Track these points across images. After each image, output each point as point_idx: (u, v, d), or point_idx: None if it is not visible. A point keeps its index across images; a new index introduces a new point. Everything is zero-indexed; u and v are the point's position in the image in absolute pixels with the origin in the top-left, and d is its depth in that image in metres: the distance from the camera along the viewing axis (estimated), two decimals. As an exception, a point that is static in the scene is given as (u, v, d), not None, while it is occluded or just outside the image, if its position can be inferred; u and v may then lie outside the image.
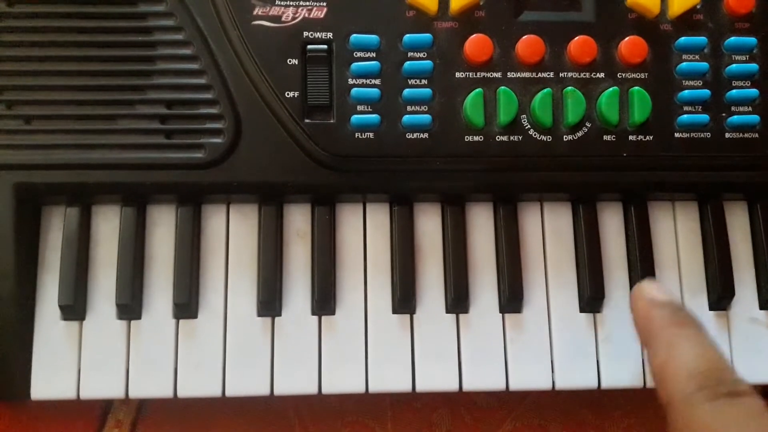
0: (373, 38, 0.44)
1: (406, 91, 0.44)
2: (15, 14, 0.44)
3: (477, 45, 0.44)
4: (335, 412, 0.48)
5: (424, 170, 0.44)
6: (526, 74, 0.44)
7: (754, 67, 0.45)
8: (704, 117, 0.45)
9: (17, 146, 0.43)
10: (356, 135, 0.43)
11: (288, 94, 0.43)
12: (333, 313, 0.45)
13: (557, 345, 0.45)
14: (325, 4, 0.44)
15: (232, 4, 0.43)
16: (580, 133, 0.44)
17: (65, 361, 0.43)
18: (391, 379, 0.44)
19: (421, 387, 0.44)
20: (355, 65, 0.44)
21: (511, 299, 0.45)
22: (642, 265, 0.46)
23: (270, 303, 0.44)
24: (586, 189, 0.46)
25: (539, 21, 0.45)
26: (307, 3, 0.44)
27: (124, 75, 0.44)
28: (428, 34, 0.44)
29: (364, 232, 0.46)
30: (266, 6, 0.44)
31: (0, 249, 0.43)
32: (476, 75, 0.44)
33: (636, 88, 0.44)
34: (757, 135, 0.45)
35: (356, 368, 0.44)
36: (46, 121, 0.44)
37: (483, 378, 0.45)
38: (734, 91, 0.45)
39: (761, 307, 0.47)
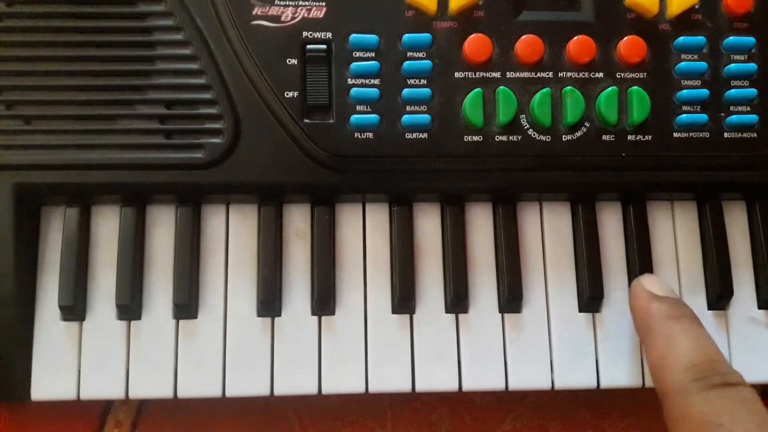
0: (372, 38, 0.44)
1: (406, 91, 0.44)
2: (14, 14, 0.44)
3: (476, 45, 0.44)
4: (335, 413, 0.48)
5: (424, 170, 0.45)
6: (525, 74, 0.44)
7: (752, 66, 0.45)
8: (703, 117, 0.45)
9: (17, 146, 0.43)
10: (355, 135, 0.43)
11: (287, 94, 0.43)
12: (333, 313, 0.45)
13: (556, 345, 0.45)
14: (324, 4, 0.44)
15: (231, 3, 0.43)
16: (579, 133, 0.44)
17: (65, 362, 0.43)
18: (390, 379, 0.44)
19: (420, 387, 0.44)
20: (354, 65, 0.44)
21: (511, 299, 0.45)
22: (641, 265, 0.46)
23: (270, 303, 0.44)
24: (585, 189, 0.46)
25: (538, 21, 0.45)
26: (307, 3, 0.44)
27: (123, 75, 0.44)
28: (427, 34, 0.44)
29: (364, 232, 0.46)
30: (265, 6, 0.44)
31: (0, 249, 0.43)
32: (475, 75, 0.44)
33: (635, 87, 0.44)
34: (755, 135, 0.45)
35: (356, 368, 0.44)
36: (46, 121, 0.44)
37: (482, 378, 0.45)
38: (733, 90, 0.45)
39: (760, 307, 0.47)
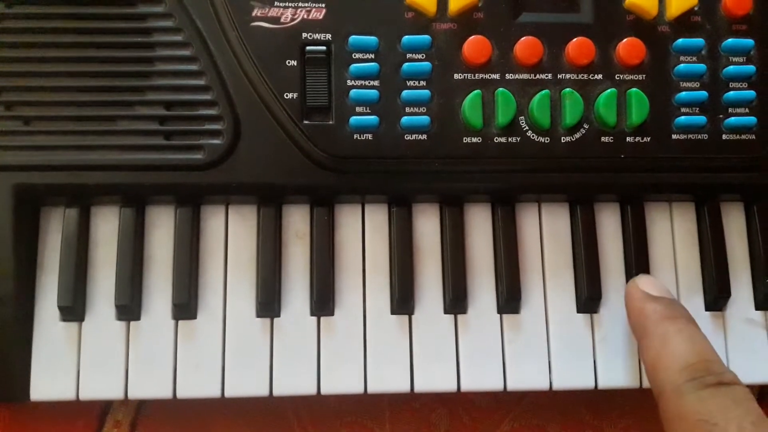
0: (371, 39, 0.44)
1: (405, 93, 0.44)
2: (14, 15, 0.44)
3: (475, 46, 0.44)
4: (334, 413, 0.48)
5: (423, 171, 0.45)
6: (525, 76, 0.44)
7: (751, 68, 0.45)
8: (701, 118, 0.45)
9: (16, 147, 0.43)
10: (355, 136, 0.43)
11: (287, 96, 0.43)
12: (332, 313, 0.45)
13: (555, 345, 0.46)
14: (323, 5, 0.44)
15: (231, 5, 0.43)
16: (578, 135, 0.44)
17: (64, 362, 0.43)
18: (389, 380, 0.44)
19: (419, 387, 0.44)
20: (353, 66, 0.44)
21: (509, 300, 0.45)
22: (639, 266, 0.46)
23: (269, 304, 0.44)
24: (583, 190, 0.47)
25: (537, 22, 0.45)
26: (306, 4, 0.44)
27: (123, 76, 0.44)
28: (427, 36, 0.44)
29: (363, 233, 0.46)
30: (265, 7, 0.44)
31: (-1, 250, 0.43)
32: (475, 76, 0.44)
33: (634, 89, 0.44)
34: (754, 136, 0.45)
35: (355, 369, 0.44)
36: (45, 122, 0.44)
37: (481, 378, 0.45)
38: (731, 92, 0.45)
39: (757, 308, 0.47)
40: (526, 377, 0.45)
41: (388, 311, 0.45)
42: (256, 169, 0.44)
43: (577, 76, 0.45)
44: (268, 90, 0.43)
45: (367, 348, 0.45)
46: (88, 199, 0.45)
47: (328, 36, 0.44)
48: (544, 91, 0.44)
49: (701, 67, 0.45)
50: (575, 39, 0.45)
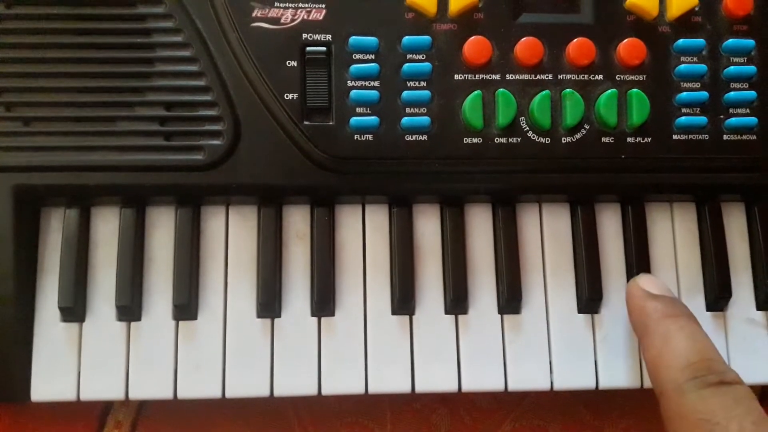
0: (372, 40, 0.44)
1: (405, 93, 0.44)
2: (13, 16, 0.44)
3: (476, 47, 0.44)
4: (334, 413, 0.48)
5: (423, 172, 0.45)
6: (525, 76, 0.44)
7: (752, 69, 0.45)
8: (702, 119, 0.45)
9: (16, 148, 0.43)
10: (355, 137, 0.43)
11: (287, 96, 0.43)
12: (332, 314, 0.45)
13: (555, 346, 0.46)
14: (324, 6, 0.44)
15: (231, 5, 0.43)
16: (578, 135, 0.44)
17: (65, 363, 0.43)
18: (390, 380, 0.44)
19: (420, 388, 0.44)
20: (354, 67, 0.44)
21: (510, 300, 0.45)
22: (639, 266, 0.46)
23: (269, 304, 0.44)
24: (584, 191, 0.47)
25: (538, 23, 0.45)
26: (306, 5, 0.44)
27: (123, 77, 0.44)
28: (427, 36, 0.44)
29: (364, 233, 0.46)
30: (265, 8, 0.44)
31: (0, 251, 0.43)
32: (475, 77, 0.44)
33: (634, 90, 0.44)
34: (755, 137, 0.45)
35: (356, 369, 0.44)
36: (45, 122, 0.44)
37: (482, 379, 0.45)
38: (732, 93, 0.45)
39: (758, 308, 0.47)
40: (527, 377, 0.45)
41: (388, 312, 0.45)
42: (256, 169, 0.44)
43: (578, 77, 0.45)
44: (268, 91, 0.43)
45: (368, 348, 0.45)
46: (88, 200, 0.45)
47: (329, 37, 0.44)
48: (544, 92, 0.44)
49: (702, 67, 0.45)
50: (576, 39, 0.44)
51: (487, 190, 0.46)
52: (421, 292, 0.46)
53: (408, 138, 0.44)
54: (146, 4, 0.44)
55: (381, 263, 0.46)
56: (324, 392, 0.44)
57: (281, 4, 0.44)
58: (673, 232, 0.48)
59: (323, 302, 0.44)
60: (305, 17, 0.44)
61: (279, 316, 0.45)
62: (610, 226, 0.47)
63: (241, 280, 0.45)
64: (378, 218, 0.46)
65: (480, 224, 0.47)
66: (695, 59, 0.45)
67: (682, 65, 0.45)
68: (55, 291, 0.44)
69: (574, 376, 0.45)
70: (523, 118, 0.44)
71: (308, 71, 0.44)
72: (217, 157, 0.43)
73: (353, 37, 0.44)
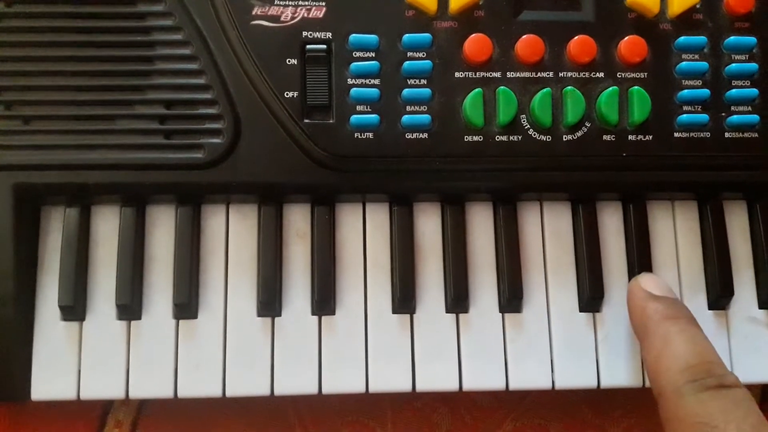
0: (372, 38, 0.44)
1: (406, 91, 0.44)
2: (13, 14, 0.43)
3: (476, 45, 0.44)
4: (335, 412, 0.48)
5: (424, 170, 0.44)
6: (526, 74, 0.44)
7: (753, 66, 0.45)
8: (704, 117, 0.45)
9: (16, 147, 0.43)
10: (356, 135, 0.43)
11: (287, 94, 0.43)
12: (333, 313, 0.45)
13: (557, 344, 0.45)
14: (324, 3, 0.44)
15: (231, 3, 0.43)
16: (579, 133, 0.44)
17: (65, 362, 0.43)
18: (391, 379, 0.44)
19: (421, 387, 0.44)
20: (354, 65, 0.44)
21: (511, 299, 0.45)
22: (641, 265, 0.46)
23: (270, 303, 0.44)
24: (585, 189, 0.46)
25: (539, 20, 0.45)
26: (306, 3, 0.44)
27: (122, 75, 0.44)
28: (427, 34, 0.44)
29: (364, 232, 0.46)
30: (265, 6, 0.44)
31: (0, 249, 0.43)
32: (476, 75, 0.44)
33: (635, 87, 0.44)
34: (756, 134, 0.45)
35: (356, 368, 0.44)
36: (45, 121, 0.43)
37: (483, 378, 0.45)
38: (734, 90, 0.45)
39: (760, 307, 0.47)
40: (528, 376, 0.45)
41: (389, 310, 0.45)
42: (256, 168, 0.44)
43: (579, 75, 0.44)
44: (268, 89, 0.43)
45: (369, 347, 0.45)
46: (88, 199, 0.45)
47: (329, 34, 0.44)
48: (545, 90, 0.44)
49: (703, 65, 0.45)
50: (576, 37, 0.44)
51: (487, 189, 0.46)
52: (421, 291, 0.46)
53: (408, 136, 0.44)
54: (146, 2, 0.44)
55: (381, 262, 0.46)
56: (324, 391, 0.44)
57: (281, 2, 0.44)
58: (675, 231, 0.48)
59: (324, 301, 0.44)
60: (305, 15, 0.44)
61: (279, 315, 0.45)
62: (611, 224, 0.47)
63: (241, 279, 0.45)
64: (378, 217, 0.46)
65: (481, 223, 0.47)
66: (696, 57, 0.45)
67: (684, 63, 0.45)
68: (55, 290, 0.44)
69: (575, 375, 0.45)
70: (523, 115, 0.44)
71: (308, 69, 0.44)
72: (217, 155, 0.43)
73: (353, 34, 0.44)
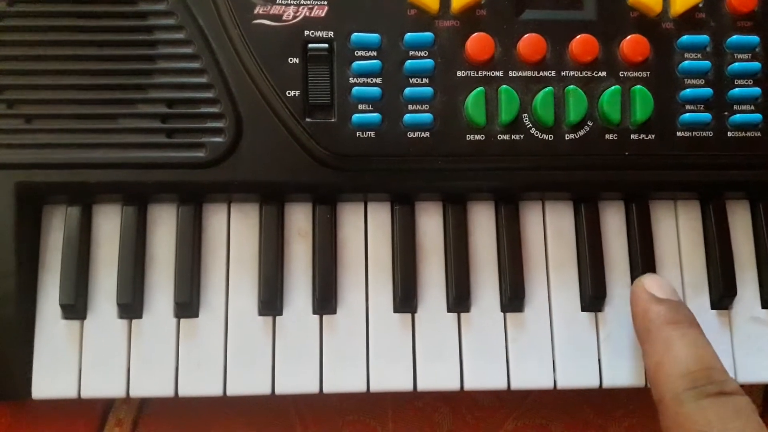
0: (374, 37, 0.44)
1: (408, 90, 0.44)
2: (15, 13, 0.44)
3: (478, 44, 0.44)
4: (336, 412, 0.48)
5: (426, 169, 0.44)
6: (528, 73, 0.44)
7: (756, 65, 0.45)
8: (706, 116, 0.44)
9: (18, 145, 0.43)
10: (357, 134, 0.43)
11: (289, 93, 0.43)
12: (334, 312, 0.45)
13: (559, 344, 0.45)
14: (325, 3, 0.44)
15: (232, 2, 0.43)
16: (581, 132, 0.44)
17: (66, 361, 0.43)
18: (392, 379, 0.44)
19: (422, 386, 0.44)
20: (356, 64, 0.44)
21: (513, 298, 0.45)
22: (643, 264, 0.46)
23: (271, 302, 0.44)
24: (587, 188, 0.46)
25: (541, 19, 0.45)
26: (308, 2, 0.44)
27: (124, 74, 0.44)
28: (429, 33, 0.44)
29: (366, 231, 0.46)
30: (267, 5, 0.44)
31: (1, 248, 0.43)
32: (478, 74, 0.44)
33: (638, 86, 0.44)
34: (759, 134, 0.45)
35: (357, 367, 0.44)
36: (47, 120, 0.44)
37: (484, 377, 0.45)
38: (737, 89, 0.45)
39: (763, 306, 0.47)
40: (530, 376, 0.45)
41: (390, 309, 0.45)
42: (258, 167, 0.44)
43: (581, 73, 0.44)
44: (270, 88, 0.43)
45: (370, 346, 0.45)
46: (90, 198, 0.45)
47: (330, 33, 0.44)
48: (547, 89, 0.44)
49: (706, 64, 0.45)
50: (579, 36, 0.44)
51: (489, 188, 0.46)
52: (423, 290, 0.46)
53: (410, 135, 0.44)
54: (148, 1, 0.44)
55: (383, 261, 0.46)
56: (326, 390, 0.44)
57: (283, 1, 0.44)
58: (678, 230, 0.48)
59: (325, 300, 0.44)
60: (307, 14, 0.44)
61: (280, 313, 0.45)
62: (613, 223, 0.47)
63: (242, 278, 0.45)
64: (380, 216, 0.46)
65: (483, 222, 0.47)
66: (699, 56, 0.45)
67: (686, 62, 0.45)
68: (56, 288, 0.44)
69: (577, 375, 0.45)
70: (526, 114, 0.44)
71: (310, 68, 0.43)
72: (218, 154, 0.43)
73: (355, 33, 0.44)
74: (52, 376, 0.43)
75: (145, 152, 0.43)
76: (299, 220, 0.46)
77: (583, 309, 0.46)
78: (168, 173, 0.44)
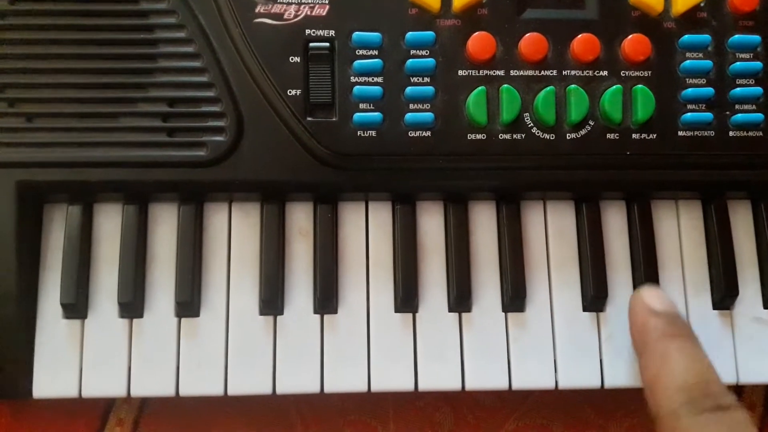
0: (375, 36, 0.44)
1: (409, 89, 0.44)
2: (17, 12, 0.44)
3: (480, 43, 0.44)
4: (337, 411, 0.48)
5: (427, 168, 0.44)
6: (529, 72, 0.44)
7: (758, 65, 0.45)
8: (708, 115, 0.44)
9: (19, 144, 0.43)
10: (358, 133, 0.43)
11: (290, 92, 0.43)
12: (335, 311, 0.45)
13: (560, 344, 0.45)
14: (327, 2, 0.44)
15: (234, 1, 0.43)
16: (583, 132, 0.44)
17: (67, 360, 0.43)
18: (393, 378, 0.44)
19: (423, 386, 0.44)
20: (357, 63, 0.43)
21: (514, 298, 0.45)
22: (645, 264, 0.46)
23: (272, 301, 0.44)
24: (589, 187, 0.46)
25: (542, 19, 0.45)
26: (309, 1, 0.44)
27: (125, 73, 0.44)
28: (431, 32, 0.44)
29: (367, 230, 0.46)
30: (268, 4, 0.43)
31: (2, 247, 0.43)
32: (479, 73, 0.44)
33: (639, 86, 0.44)
34: (761, 133, 0.45)
35: (358, 367, 0.44)
36: (48, 119, 0.43)
37: (486, 377, 0.45)
38: (738, 89, 0.45)
39: (765, 306, 0.47)
40: (531, 376, 0.45)
41: (392, 309, 0.45)
42: (259, 166, 0.44)
43: (583, 73, 0.44)
44: (271, 87, 0.43)
45: (371, 346, 0.45)
46: (91, 196, 0.45)
47: (332, 32, 0.44)
48: (549, 88, 0.44)
49: (707, 63, 0.45)
50: (580, 35, 0.44)
51: (490, 187, 0.46)
52: (424, 290, 0.46)
53: (411, 134, 0.43)
54: (149, 0, 0.44)
55: (384, 261, 0.46)
56: (326, 390, 0.44)
57: (284, 0, 0.43)
58: (679, 230, 0.48)
59: (326, 300, 0.44)
60: (308, 13, 0.44)
61: (281, 313, 0.45)
62: (615, 223, 0.47)
63: (243, 277, 0.45)
64: (381, 215, 0.46)
65: (484, 221, 0.47)
66: (701, 55, 0.45)
67: (688, 61, 0.45)
68: (57, 287, 0.44)
69: (578, 375, 0.45)
70: (527, 114, 0.44)
71: (311, 67, 0.43)
72: (219, 153, 0.43)
73: (356, 32, 0.44)
74: (53, 375, 0.43)
75: (146, 151, 0.43)
76: (300, 219, 0.46)
77: (585, 309, 0.46)
78: (169, 172, 0.44)
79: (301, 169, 0.44)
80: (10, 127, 0.43)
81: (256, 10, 0.43)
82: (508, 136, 0.44)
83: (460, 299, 0.45)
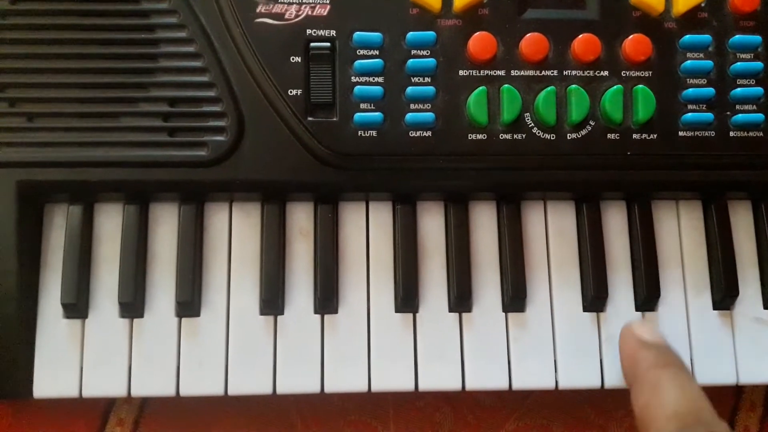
0: (376, 36, 0.44)
1: (410, 89, 0.44)
2: (18, 12, 0.44)
3: (481, 43, 0.44)
4: (337, 411, 0.48)
5: (428, 168, 0.44)
6: (530, 72, 0.44)
7: (759, 65, 0.45)
8: (709, 115, 0.44)
9: (20, 144, 0.43)
10: (359, 133, 0.43)
11: (291, 92, 0.43)
12: (336, 311, 0.45)
13: (560, 344, 0.45)
14: (328, 2, 0.44)
15: (235, 1, 0.43)
16: (583, 132, 0.44)
17: (68, 360, 0.43)
18: (393, 378, 0.44)
19: (423, 386, 0.44)
20: (358, 63, 0.43)
21: (515, 298, 0.45)
22: (645, 264, 0.46)
23: (272, 301, 0.44)
24: (589, 188, 0.46)
25: (543, 19, 0.45)
26: (310, 1, 0.44)
27: (126, 73, 0.44)
28: (432, 32, 0.44)
29: (367, 230, 0.46)
30: (269, 4, 0.43)
31: (2, 247, 0.43)
32: (480, 73, 0.44)
33: (640, 86, 0.44)
34: (761, 134, 0.45)
35: (359, 367, 0.44)
36: (49, 118, 0.44)
37: (486, 377, 0.45)
38: (739, 89, 0.45)
39: (765, 307, 0.47)
40: (532, 376, 0.45)
41: (392, 309, 0.45)
42: (259, 166, 0.44)
43: (583, 73, 0.44)
44: (272, 86, 0.43)
45: (371, 346, 0.45)
46: (91, 196, 0.45)
47: (333, 32, 0.44)
48: (549, 88, 0.44)
49: (708, 63, 0.45)
50: (581, 35, 0.44)
51: (491, 187, 0.46)
52: (424, 290, 0.46)
53: (412, 134, 0.44)
54: (151, 0, 0.44)
55: (385, 261, 0.46)
56: (327, 390, 0.44)
57: (285, 0, 0.43)
58: (680, 230, 0.48)
59: (326, 300, 0.44)
60: (309, 13, 0.44)
61: (282, 313, 0.45)
62: (615, 223, 0.47)
63: (244, 277, 0.45)
64: (382, 215, 0.46)
65: (484, 221, 0.47)
66: (701, 55, 0.45)
67: (688, 61, 0.45)
68: (58, 287, 0.44)
69: (579, 375, 0.45)
70: (528, 114, 0.44)
71: (312, 67, 0.43)
72: (220, 153, 0.43)
73: (357, 32, 0.44)
74: (54, 375, 0.43)
75: (146, 151, 0.43)
76: (301, 219, 0.46)
77: (585, 309, 0.46)
78: (170, 172, 0.44)
79: (302, 169, 0.44)
80: (10, 126, 0.43)
81: (257, 10, 0.43)
82: (508, 136, 0.44)
83: (461, 299, 0.45)
